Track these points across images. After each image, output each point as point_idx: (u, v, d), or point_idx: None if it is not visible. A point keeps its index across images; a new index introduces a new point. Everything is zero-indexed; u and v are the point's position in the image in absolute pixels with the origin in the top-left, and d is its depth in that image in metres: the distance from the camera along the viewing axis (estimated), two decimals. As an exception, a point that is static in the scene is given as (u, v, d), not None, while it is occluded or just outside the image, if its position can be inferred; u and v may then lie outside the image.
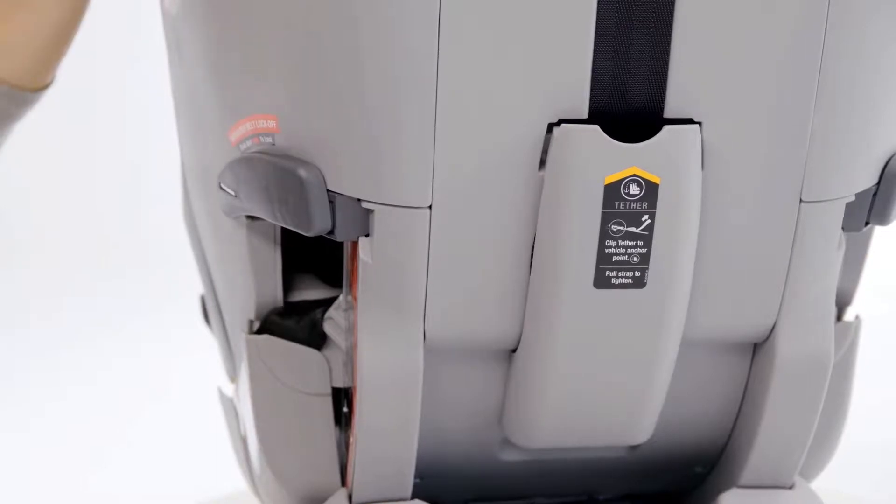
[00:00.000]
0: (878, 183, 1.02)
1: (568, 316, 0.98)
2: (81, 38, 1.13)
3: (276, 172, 0.98)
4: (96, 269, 2.72)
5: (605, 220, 0.94)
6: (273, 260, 1.12)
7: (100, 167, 2.94)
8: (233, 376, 1.30)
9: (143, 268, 2.76)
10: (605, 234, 0.95)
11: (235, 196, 1.04)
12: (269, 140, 0.99)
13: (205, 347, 1.48)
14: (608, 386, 1.03)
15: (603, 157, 0.92)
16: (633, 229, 0.95)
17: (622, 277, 0.97)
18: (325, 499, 1.13)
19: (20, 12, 1.00)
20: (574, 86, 0.91)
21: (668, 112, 0.93)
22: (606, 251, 0.95)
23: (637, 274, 0.96)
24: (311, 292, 1.19)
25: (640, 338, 1.00)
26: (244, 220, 1.09)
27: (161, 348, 2.50)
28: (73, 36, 1.05)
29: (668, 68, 0.92)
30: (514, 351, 1.04)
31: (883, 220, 1.04)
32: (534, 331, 1.00)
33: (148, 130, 2.64)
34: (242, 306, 1.17)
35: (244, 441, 1.25)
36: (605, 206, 0.94)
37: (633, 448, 1.14)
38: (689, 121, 0.94)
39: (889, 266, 2.40)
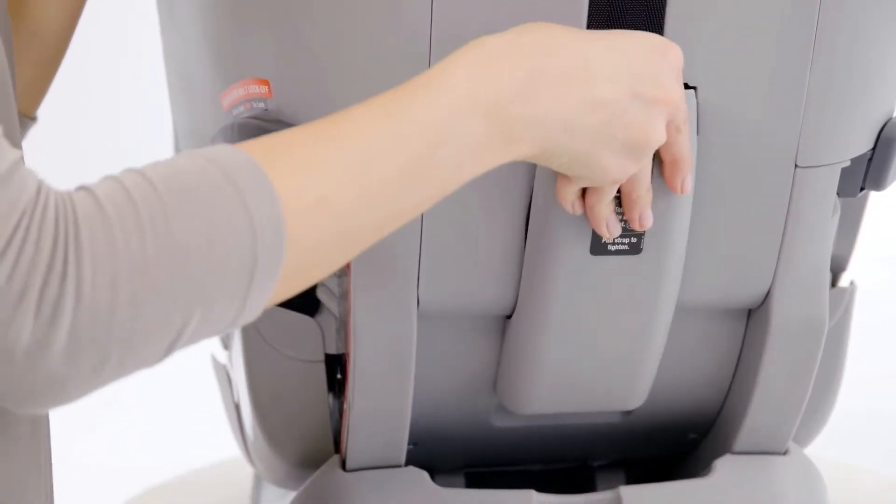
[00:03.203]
0: (874, 148, 1.02)
1: (564, 283, 0.98)
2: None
3: (269, 138, 0.97)
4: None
5: None
6: (266, 226, 1.12)
7: (91, 138, 2.93)
8: (226, 343, 1.30)
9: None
10: None
11: (228, 162, 1.03)
12: (262, 105, 0.98)
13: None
14: (603, 351, 1.03)
15: None
16: None
17: (619, 244, 0.96)
18: (319, 465, 1.13)
19: (24, 21, 0.99)
20: (569, 50, 0.91)
21: (664, 77, 0.92)
22: None
23: (633, 240, 0.96)
24: (304, 259, 1.18)
25: (635, 303, 1.00)
26: (237, 185, 1.08)
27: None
28: (65, 51, 1.04)
29: (662, 32, 0.91)
30: (509, 317, 1.03)
31: (878, 185, 1.04)
32: (530, 297, 1.00)
33: (142, 107, 2.63)
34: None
35: (237, 408, 1.25)
36: None
37: (627, 414, 1.14)
38: (685, 85, 0.93)
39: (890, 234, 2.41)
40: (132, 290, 0.67)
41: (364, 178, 0.76)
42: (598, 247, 0.96)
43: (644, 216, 0.92)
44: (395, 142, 0.77)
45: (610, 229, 0.93)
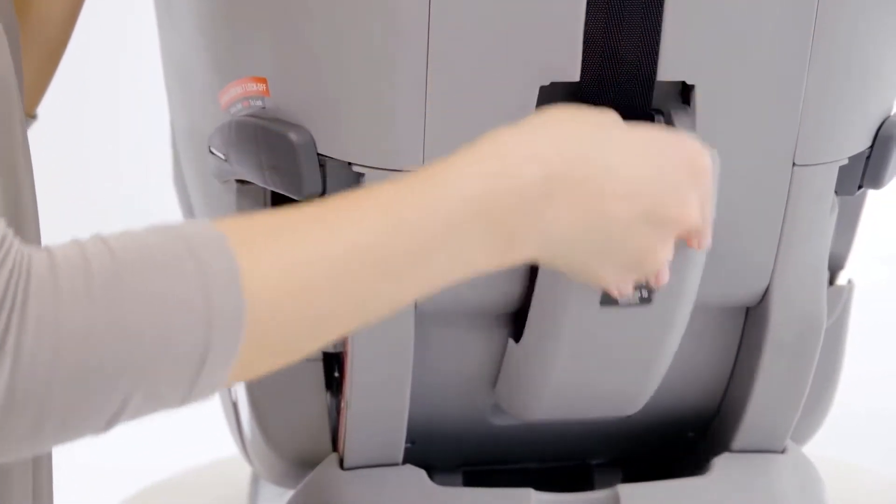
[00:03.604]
0: (872, 146, 1.01)
1: (573, 330, 0.98)
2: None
3: (267, 136, 0.97)
4: (86, 235, 2.71)
5: None
6: (263, 224, 1.11)
7: (89, 134, 2.93)
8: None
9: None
10: None
11: (225, 160, 1.03)
12: (260, 103, 0.98)
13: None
14: (609, 378, 1.03)
15: None
16: None
17: (629, 298, 0.96)
18: (317, 463, 1.13)
19: (30, 14, 0.99)
20: (566, 48, 0.90)
21: (662, 74, 0.92)
22: None
23: (645, 294, 0.96)
24: (301, 257, 1.18)
25: (644, 344, 1.00)
26: (234, 183, 1.08)
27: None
28: (65, 46, 1.04)
29: (660, 30, 0.91)
30: (515, 339, 1.03)
31: (876, 183, 1.03)
32: (538, 336, 1.00)
33: (140, 105, 2.63)
34: (233, 271, 1.16)
35: (235, 406, 1.25)
36: None
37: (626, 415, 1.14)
38: (683, 84, 0.93)
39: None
40: (72, 362, 0.64)
41: (344, 274, 0.71)
42: (608, 299, 0.95)
43: (660, 274, 0.87)
44: (386, 239, 0.72)
45: (621, 291, 0.87)
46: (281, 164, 0.97)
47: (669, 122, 0.94)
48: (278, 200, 1.11)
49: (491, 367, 1.08)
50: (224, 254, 0.68)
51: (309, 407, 1.15)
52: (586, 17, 0.90)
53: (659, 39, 0.91)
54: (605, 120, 0.81)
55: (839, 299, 1.18)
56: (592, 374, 1.02)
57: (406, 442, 1.08)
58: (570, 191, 0.77)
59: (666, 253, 0.81)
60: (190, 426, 2.09)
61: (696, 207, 0.81)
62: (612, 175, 0.78)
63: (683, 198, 0.80)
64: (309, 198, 0.97)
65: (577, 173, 0.77)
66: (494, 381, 1.09)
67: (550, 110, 0.80)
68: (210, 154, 1.05)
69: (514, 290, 1.00)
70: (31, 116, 1.01)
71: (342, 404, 1.08)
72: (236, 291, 0.67)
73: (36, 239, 0.85)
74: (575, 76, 0.91)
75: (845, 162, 1.00)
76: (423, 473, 1.09)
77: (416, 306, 1.00)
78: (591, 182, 0.77)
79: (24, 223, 0.81)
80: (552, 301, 0.97)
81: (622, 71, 0.91)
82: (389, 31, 0.90)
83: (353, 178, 0.96)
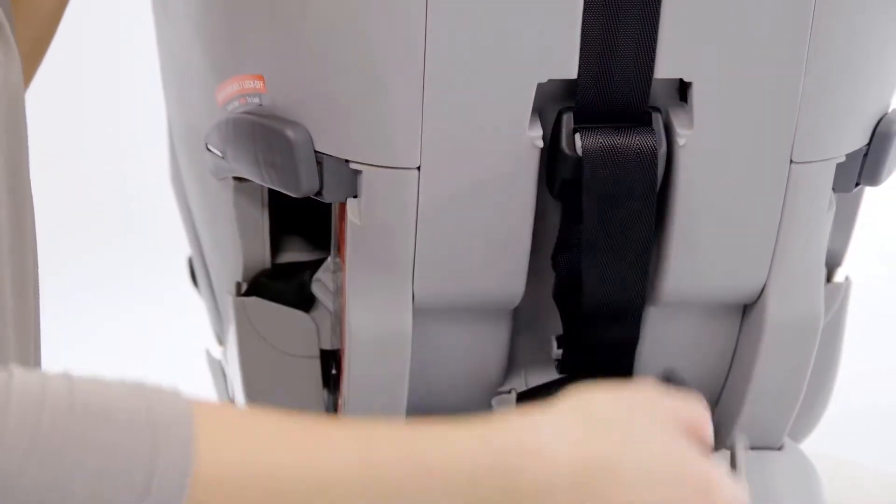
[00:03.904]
0: (869, 143, 1.02)
1: None
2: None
3: (264, 133, 0.97)
4: (83, 233, 2.71)
5: None
6: (260, 221, 1.12)
7: (86, 131, 2.93)
8: (221, 338, 1.29)
9: (130, 230, 2.75)
10: None
11: (222, 157, 1.03)
12: (257, 100, 0.98)
13: (193, 309, 1.48)
14: None
15: None
16: None
17: None
18: (314, 461, 1.13)
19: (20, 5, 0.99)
20: (564, 45, 0.91)
21: (659, 72, 0.92)
22: None
23: None
24: (299, 254, 1.18)
25: None
26: (231, 181, 1.08)
27: (149, 311, 2.50)
28: (52, 38, 1.03)
29: (658, 27, 0.91)
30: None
31: (873, 180, 1.04)
32: None
33: (137, 95, 2.63)
34: (230, 268, 1.16)
35: (232, 403, 1.25)
36: None
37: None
38: (681, 82, 0.93)
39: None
40: None
41: (300, 501, 0.67)
42: None
43: None
44: (355, 477, 0.68)
45: None
46: (278, 162, 0.97)
47: (667, 119, 0.94)
48: (276, 198, 1.11)
49: (491, 363, 1.08)
50: (183, 437, 0.64)
51: (306, 404, 1.15)
52: (584, 13, 0.90)
53: (656, 36, 0.91)
54: (636, 413, 0.78)
55: (836, 296, 1.18)
56: None
57: (403, 439, 1.08)
58: (568, 494, 0.73)
59: None
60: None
61: None
62: (615, 490, 0.74)
63: None
64: (306, 195, 0.97)
65: (581, 479, 0.73)
66: (494, 379, 1.09)
67: (586, 396, 0.77)
68: (207, 151, 1.05)
69: (516, 285, 1.00)
70: None
71: (339, 401, 1.08)
72: (180, 483, 0.64)
73: (32, 240, 0.85)
74: (572, 73, 0.91)
75: (843, 159, 1.00)
76: (420, 471, 1.09)
77: (413, 301, 1.00)
78: (592, 491, 0.73)
79: (24, 223, 0.81)
80: None
81: (619, 68, 0.91)
82: (387, 28, 0.90)
83: (350, 176, 0.96)
